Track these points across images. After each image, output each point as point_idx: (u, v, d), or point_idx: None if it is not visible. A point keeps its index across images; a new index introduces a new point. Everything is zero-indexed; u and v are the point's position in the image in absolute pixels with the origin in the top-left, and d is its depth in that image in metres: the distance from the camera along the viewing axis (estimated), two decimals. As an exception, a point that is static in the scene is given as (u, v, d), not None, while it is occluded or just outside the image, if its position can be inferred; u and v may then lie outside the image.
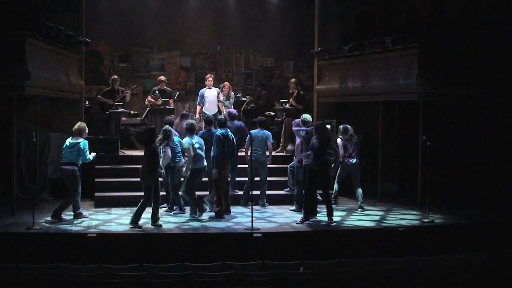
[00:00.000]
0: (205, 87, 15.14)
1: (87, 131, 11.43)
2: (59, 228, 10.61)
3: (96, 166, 13.12)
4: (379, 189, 13.59)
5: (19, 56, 11.16)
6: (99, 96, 15.13)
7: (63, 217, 11.10)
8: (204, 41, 17.77)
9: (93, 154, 11.40)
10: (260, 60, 18.39)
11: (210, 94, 14.89)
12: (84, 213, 11.50)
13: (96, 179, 12.99)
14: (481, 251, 9.36)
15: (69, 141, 11.18)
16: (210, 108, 14.78)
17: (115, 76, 15.24)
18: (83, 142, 11.09)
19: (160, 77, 15.79)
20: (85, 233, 10.11)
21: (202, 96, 14.91)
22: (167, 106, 15.07)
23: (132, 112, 16.25)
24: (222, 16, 17.52)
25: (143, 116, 15.63)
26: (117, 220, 11.31)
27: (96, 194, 12.69)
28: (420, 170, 12.37)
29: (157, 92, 15.20)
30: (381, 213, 12.34)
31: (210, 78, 15.13)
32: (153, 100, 15.12)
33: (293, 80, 15.52)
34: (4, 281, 7.83)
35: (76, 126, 11.29)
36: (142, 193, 12.16)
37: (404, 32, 14.37)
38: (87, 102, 15.31)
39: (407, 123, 14.41)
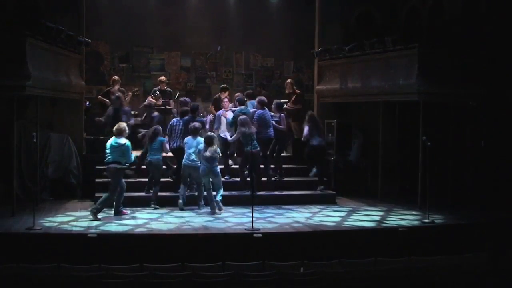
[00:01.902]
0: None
1: (127, 131, 11.73)
2: (59, 228, 10.61)
3: (97, 167, 13.12)
4: (379, 189, 13.58)
5: (19, 56, 11.14)
6: (99, 96, 15.15)
7: (125, 211, 11.67)
8: (204, 42, 17.77)
9: (134, 155, 11.87)
10: (260, 61, 18.38)
11: (227, 117, 13.60)
12: (125, 210, 11.80)
13: (97, 180, 12.97)
14: (481, 251, 9.36)
15: (114, 141, 11.45)
16: (226, 131, 13.57)
17: (116, 77, 15.24)
18: (127, 144, 11.43)
19: (160, 78, 15.79)
20: (85, 234, 10.11)
21: (219, 119, 13.68)
22: (167, 107, 15.08)
23: (132, 112, 16.22)
24: (222, 16, 17.51)
25: (144, 116, 15.63)
26: (118, 220, 11.31)
27: (97, 194, 12.63)
28: (421, 170, 12.36)
29: (157, 92, 15.19)
30: (381, 213, 12.34)
31: (226, 100, 13.96)
32: (153, 100, 15.11)
33: (289, 80, 15.48)
34: (4, 281, 7.83)
35: (116, 127, 11.58)
36: (141, 193, 12.41)
37: (405, 32, 14.38)
38: (87, 103, 15.29)
39: (408, 124, 14.39)
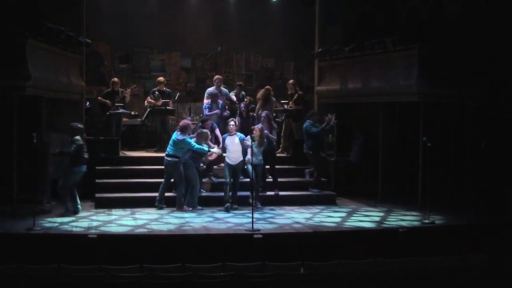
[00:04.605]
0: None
1: (192, 127, 12.62)
2: (59, 229, 10.61)
3: (97, 167, 13.13)
4: (380, 190, 13.58)
5: (19, 57, 11.15)
6: (99, 97, 15.15)
7: (186, 207, 12.20)
8: (204, 42, 17.80)
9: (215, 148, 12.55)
10: (260, 61, 18.41)
11: (232, 142, 12.46)
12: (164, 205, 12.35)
13: (97, 180, 12.98)
14: (481, 252, 9.36)
15: (175, 136, 12.26)
16: (235, 157, 12.40)
17: (116, 79, 15.26)
18: (186, 139, 12.13)
19: (158, 78, 15.81)
20: (85, 234, 10.11)
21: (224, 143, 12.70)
22: (167, 107, 15.09)
23: (132, 113, 16.26)
24: (222, 17, 17.54)
25: (144, 117, 15.65)
26: (118, 221, 11.31)
27: (97, 195, 12.68)
28: (421, 171, 12.36)
29: (156, 93, 15.21)
30: (381, 214, 12.34)
31: (232, 123, 12.66)
32: (153, 101, 15.13)
33: (291, 81, 15.54)
34: (5, 281, 7.83)
35: (180, 124, 12.56)
36: (142, 194, 12.43)
37: (405, 32, 14.38)
38: (87, 103, 15.30)
39: (408, 124, 14.40)
